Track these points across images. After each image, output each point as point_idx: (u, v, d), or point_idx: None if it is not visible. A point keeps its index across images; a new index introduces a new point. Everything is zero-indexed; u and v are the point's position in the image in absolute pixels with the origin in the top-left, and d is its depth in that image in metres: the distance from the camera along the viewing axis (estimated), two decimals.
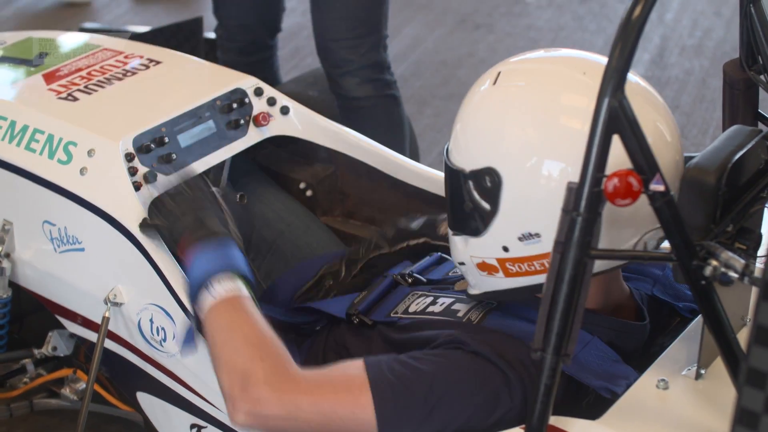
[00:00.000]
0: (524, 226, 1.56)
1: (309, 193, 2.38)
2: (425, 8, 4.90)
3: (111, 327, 1.99)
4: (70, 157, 2.03)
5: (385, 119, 2.96)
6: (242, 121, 2.14)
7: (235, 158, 2.18)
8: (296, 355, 1.67)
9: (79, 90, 2.19)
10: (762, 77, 1.74)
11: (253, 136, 2.16)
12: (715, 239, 1.43)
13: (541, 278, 1.57)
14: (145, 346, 1.98)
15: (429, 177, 2.21)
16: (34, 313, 2.28)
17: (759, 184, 1.54)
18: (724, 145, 1.51)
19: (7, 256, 2.16)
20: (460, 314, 1.70)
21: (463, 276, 1.72)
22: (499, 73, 1.61)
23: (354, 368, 1.57)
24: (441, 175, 2.17)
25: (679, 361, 1.60)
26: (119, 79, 2.23)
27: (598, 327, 1.62)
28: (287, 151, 2.39)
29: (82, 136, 2.04)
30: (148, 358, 1.99)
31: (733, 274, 1.38)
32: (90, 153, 2.01)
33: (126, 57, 2.32)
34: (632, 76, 1.56)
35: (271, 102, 2.20)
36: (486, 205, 1.57)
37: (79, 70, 2.27)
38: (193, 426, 1.99)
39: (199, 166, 2.07)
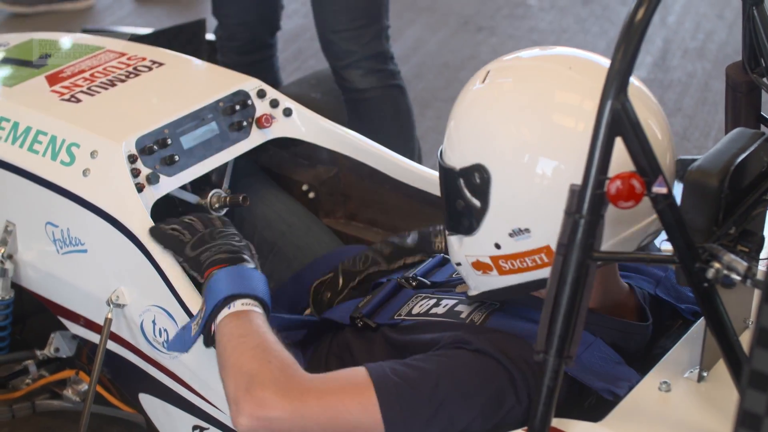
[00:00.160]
0: (514, 222, 1.57)
1: (311, 194, 2.38)
2: (428, 10, 4.90)
3: (113, 328, 1.99)
4: (73, 159, 2.03)
5: (392, 110, 2.97)
6: (245, 123, 2.14)
7: (238, 160, 2.19)
8: (300, 361, 1.67)
9: (82, 91, 2.19)
10: (765, 80, 1.74)
11: (255, 138, 2.17)
12: (717, 242, 1.43)
13: (535, 274, 1.59)
14: (147, 348, 1.98)
15: (431, 179, 2.21)
16: (36, 315, 2.28)
17: (761, 186, 1.54)
18: (727, 148, 1.52)
19: (10, 257, 2.16)
20: (462, 315, 1.71)
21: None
22: (488, 72, 1.63)
23: (357, 372, 1.58)
24: None
25: (681, 364, 1.60)
26: (122, 80, 2.23)
27: (599, 327, 1.62)
28: (290, 152, 2.39)
29: (85, 138, 2.04)
30: (151, 359, 1.99)
31: (736, 277, 1.38)
32: (93, 154, 2.02)
33: (129, 59, 2.32)
34: None
35: (274, 104, 2.20)
36: (476, 203, 1.59)
37: (82, 71, 2.28)
38: (195, 427, 1.98)
39: (202, 167, 2.07)
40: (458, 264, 1.69)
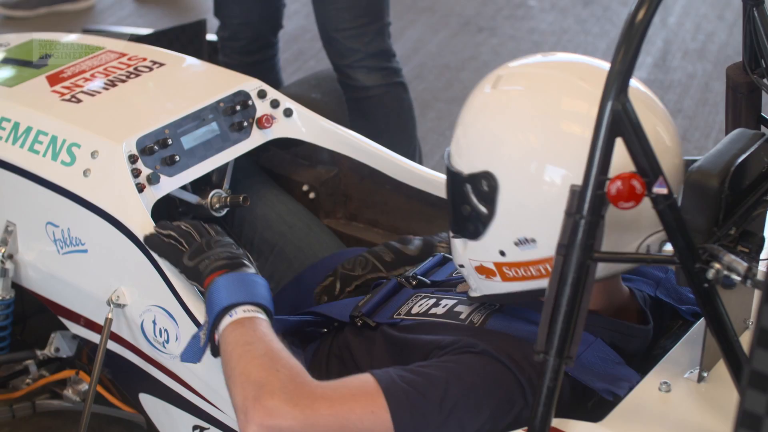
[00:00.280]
0: (520, 231, 1.56)
1: (312, 195, 2.38)
2: (428, 11, 4.90)
3: (114, 328, 1.99)
4: (74, 159, 2.03)
5: (396, 106, 2.98)
6: (245, 124, 2.14)
7: (238, 160, 2.19)
8: (301, 359, 1.66)
9: (82, 92, 2.19)
10: (765, 81, 1.74)
11: (256, 139, 2.17)
12: (717, 242, 1.43)
13: (538, 283, 1.58)
14: (147, 348, 1.98)
15: (431, 179, 2.22)
16: (37, 315, 2.28)
17: (762, 187, 1.54)
18: (727, 149, 1.52)
19: (11, 257, 2.16)
20: (462, 316, 1.71)
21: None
22: (499, 77, 1.62)
23: (366, 380, 1.56)
24: (443, 177, 2.17)
25: (681, 364, 1.60)
26: (123, 81, 2.23)
27: (600, 329, 1.62)
28: (290, 153, 2.40)
29: (86, 138, 2.04)
30: (151, 359, 1.99)
31: (736, 277, 1.38)
32: (93, 155, 2.02)
33: (129, 59, 2.32)
34: (632, 81, 1.56)
35: (275, 104, 2.20)
36: (483, 209, 1.58)
37: (83, 72, 2.28)
38: (195, 427, 1.99)
39: (203, 168, 2.07)
40: (461, 266, 1.68)
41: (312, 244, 2.26)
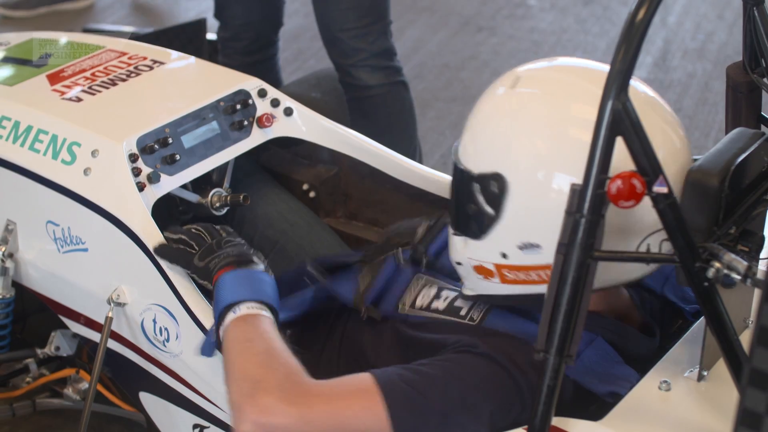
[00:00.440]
0: (525, 236, 1.55)
1: (312, 194, 2.38)
2: (428, 10, 4.90)
3: (114, 327, 1.99)
4: (74, 158, 2.03)
5: (398, 105, 2.98)
6: (246, 123, 2.14)
7: (239, 159, 2.19)
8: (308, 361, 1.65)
9: (83, 91, 2.19)
10: (765, 80, 1.74)
11: (256, 138, 2.17)
12: (717, 241, 1.44)
13: (537, 288, 1.57)
14: (148, 347, 1.99)
15: (432, 179, 2.21)
16: (37, 313, 2.28)
17: (762, 186, 1.54)
18: (727, 148, 1.52)
19: (11, 256, 2.16)
20: (462, 312, 1.70)
21: None
22: (517, 78, 1.60)
23: (364, 378, 1.55)
24: (444, 177, 2.18)
25: (681, 363, 1.60)
26: (123, 80, 2.23)
27: (602, 329, 1.62)
28: (290, 152, 2.40)
29: (86, 137, 2.04)
30: (151, 358, 2.00)
31: (736, 276, 1.38)
32: (94, 153, 2.02)
33: (130, 58, 2.32)
34: (639, 85, 1.56)
35: (275, 103, 2.20)
36: (489, 210, 1.57)
37: (83, 71, 2.28)
38: (195, 426, 1.99)
39: (203, 167, 2.07)
40: (459, 263, 1.67)
41: (313, 242, 2.26)
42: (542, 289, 1.48)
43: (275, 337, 1.63)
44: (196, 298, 1.86)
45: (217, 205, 2.14)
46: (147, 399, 2.09)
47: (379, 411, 1.51)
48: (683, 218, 1.39)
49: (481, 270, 1.63)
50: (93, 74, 2.26)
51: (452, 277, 1.78)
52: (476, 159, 1.59)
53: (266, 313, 1.67)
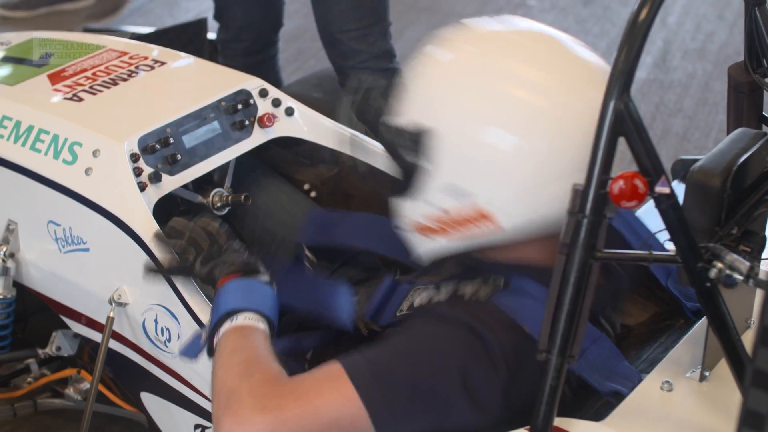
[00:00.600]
0: (458, 185, 1.57)
1: (313, 194, 2.38)
2: (428, 11, 4.90)
3: (115, 327, 1.99)
4: (75, 158, 2.03)
5: None
6: (247, 122, 2.14)
7: (240, 156, 2.19)
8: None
9: (84, 90, 2.19)
10: (767, 80, 1.75)
11: (257, 137, 2.17)
12: (719, 242, 1.44)
13: (481, 240, 1.59)
14: (149, 347, 1.99)
15: None
16: (38, 313, 2.28)
17: (764, 186, 1.54)
18: (729, 148, 1.52)
19: (12, 256, 2.16)
20: (466, 298, 1.69)
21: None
22: (450, 33, 1.63)
23: (330, 366, 1.54)
24: None
25: (683, 363, 1.61)
26: (124, 79, 2.23)
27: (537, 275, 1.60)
28: (292, 152, 2.39)
29: (87, 137, 2.04)
30: (153, 358, 2.00)
31: (738, 277, 1.38)
32: (95, 153, 2.02)
33: (131, 58, 2.32)
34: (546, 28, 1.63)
35: (276, 103, 2.21)
36: (422, 164, 1.59)
37: (84, 70, 2.28)
38: (197, 426, 1.99)
39: (204, 166, 2.07)
40: (402, 229, 1.69)
41: None
42: (487, 240, 1.57)
43: (261, 345, 1.62)
44: (198, 299, 1.86)
45: (219, 205, 2.14)
46: (148, 399, 2.09)
47: (350, 395, 1.50)
48: (685, 218, 1.40)
49: (422, 229, 1.65)
50: (94, 74, 2.26)
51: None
52: (406, 114, 1.62)
53: (262, 325, 1.66)
